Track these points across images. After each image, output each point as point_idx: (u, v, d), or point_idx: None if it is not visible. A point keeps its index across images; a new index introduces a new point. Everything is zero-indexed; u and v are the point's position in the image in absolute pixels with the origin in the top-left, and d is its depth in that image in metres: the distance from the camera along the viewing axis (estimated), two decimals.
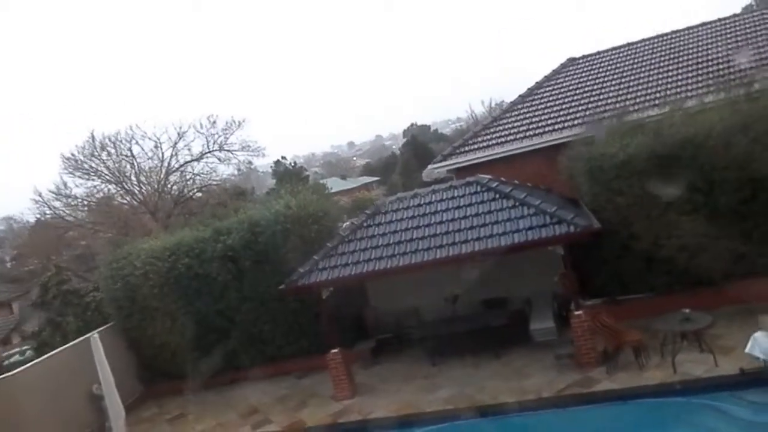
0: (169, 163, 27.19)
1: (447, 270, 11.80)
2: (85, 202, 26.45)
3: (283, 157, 54.41)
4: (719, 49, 15.65)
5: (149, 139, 26.48)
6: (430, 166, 16.49)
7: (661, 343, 9.99)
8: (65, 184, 25.58)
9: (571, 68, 18.32)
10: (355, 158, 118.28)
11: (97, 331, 12.93)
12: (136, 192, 26.48)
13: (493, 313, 12.74)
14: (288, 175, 45.35)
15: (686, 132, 10.67)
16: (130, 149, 26.28)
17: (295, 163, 56.52)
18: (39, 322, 19.52)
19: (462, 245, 10.74)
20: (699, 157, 10.52)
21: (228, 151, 27.74)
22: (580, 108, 15.53)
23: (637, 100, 14.62)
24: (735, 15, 17.56)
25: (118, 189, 26.53)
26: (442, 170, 16.15)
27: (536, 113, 16.19)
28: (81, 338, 13.58)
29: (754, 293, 10.08)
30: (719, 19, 17.44)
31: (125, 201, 26.79)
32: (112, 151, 25.96)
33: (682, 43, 16.92)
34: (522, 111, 16.67)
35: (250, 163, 29.88)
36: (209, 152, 27.54)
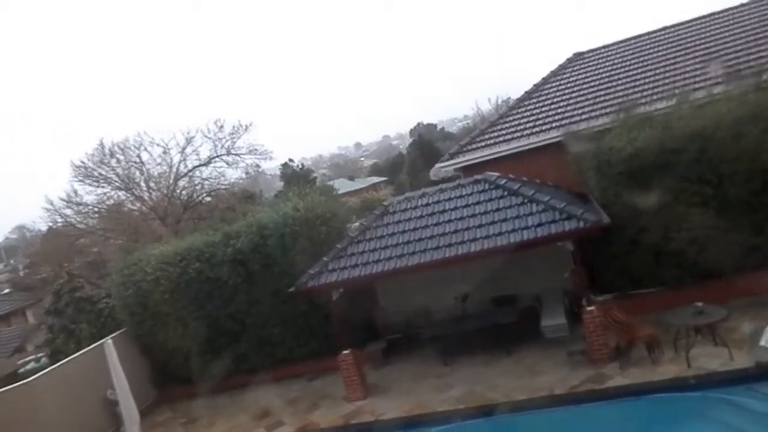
0: (177, 169, 27.37)
1: (456, 269, 11.78)
2: (96, 210, 26.66)
3: (290, 160, 54.62)
4: (727, 39, 15.50)
5: (157, 145, 26.69)
6: (437, 165, 16.45)
7: (674, 338, 9.91)
8: (76, 192, 25.87)
9: (577, 63, 18.21)
10: (362, 159, 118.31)
11: (110, 337, 13.04)
12: (146, 198, 26.67)
13: (503, 310, 12.70)
14: (296, 177, 45.48)
15: (695, 124, 10.58)
16: (138, 156, 26.49)
17: (302, 165, 56.70)
18: (48, 331, 19.62)
19: (471, 243, 10.72)
20: (708, 149, 10.44)
21: (236, 155, 27.84)
22: (587, 103, 15.43)
23: (645, 93, 14.51)
24: (742, 5, 17.36)
25: (128, 195, 26.73)
26: (449, 169, 16.10)
27: (543, 109, 16.11)
28: (95, 344, 13.69)
29: (766, 285, 9.99)
30: (726, 9, 17.27)
31: (135, 207, 26.99)
32: (121, 158, 26.19)
33: (689, 34, 16.77)
34: (529, 107, 16.59)
35: (257, 166, 30.01)
36: (217, 156, 27.66)
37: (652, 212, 10.96)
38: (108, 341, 11.95)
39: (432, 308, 13.75)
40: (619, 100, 14.61)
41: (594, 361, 10.38)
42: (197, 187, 28.18)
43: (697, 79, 14.11)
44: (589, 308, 10.38)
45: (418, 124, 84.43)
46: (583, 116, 14.73)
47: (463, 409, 10.35)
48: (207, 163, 27.76)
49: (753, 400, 8.41)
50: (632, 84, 15.36)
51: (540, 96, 16.97)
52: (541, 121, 15.49)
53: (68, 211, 26.17)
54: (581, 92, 16.19)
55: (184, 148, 27.19)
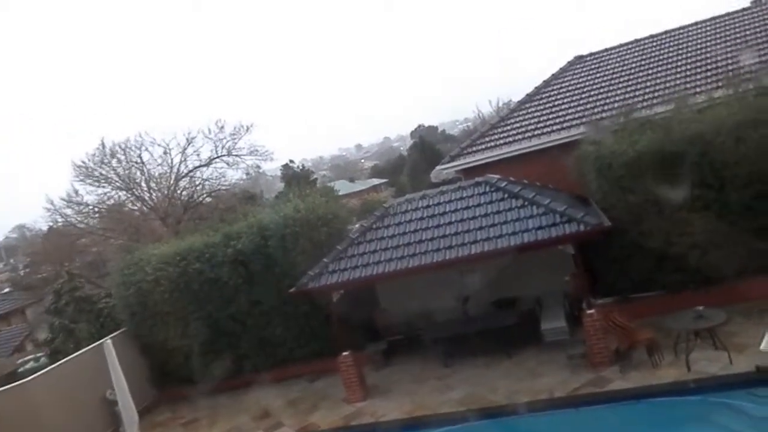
0: (178, 169, 27.37)
1: (457, 271, 11.78)
2: (96, 209, 26.65)
3: (291, 161, 54.49)
4: (728, 44, 15.52)
5: (158, 145, 26.68)
6: (438, 167, 16.46)
7: (674, 342, 9.91)
8: (76, 192, 25.85)
9: (578, 66, 18.23)
10: (363, 160, 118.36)
11: (109, 336, 13.03)
12: (147, 198, 26.66)
13: (504, 313, 12.69)
14: (296, 178, 45.44)
15: (696, 128, 10.59)
16: (139, 156, 26.48)
17: (303, 166, 56.62)
18: (48, 330, 19.61)
19: (471, 246, 10.72)
20: (709, 154, 10.44)
21: (236, 155, 27.85)
22: (588, 106, 15.45)
23: (646, 96, 14.52)
24: (744, 9, 17.39)
25: (129, 195, 26.73)
26: (450, 171, 16.11)
27: (544, 112, 16.12)
28: (94, 344, 13.68)
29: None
30: (728, 14, 17.29)
31: (136, 207, 27.00)
32: (122, 158, 26.18)
33: (690, 38, 16.79)
34: (530, 110, 16.61)
35: (258, 167, 30.04)
36: (218, 157, 27.67)
37: (653, 216, 10.96)
38: (107, 341, 11.92)
39: (433, 310, 13.75)
40: (620, 103, 14.64)
41: (594, 365, 10.38)
42: (198, 188, 28.20)
43: (698, 83, 14.13)
44: (589, 311, 10.38)
45: (419, 126, 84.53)
46: (584, 119, 14.74)
47: (464, 411, 10.34)
48: (208, 164, 27.79)
49: (753, 405, 8.40)
50: (633, 87, 15.38)
51: (541, 99, 16.98)
52: (542, 124, 15.50)
53: (69, 211, 26.17)
54: (582, 95, 16.21)
55: (185, 149, 27.22)
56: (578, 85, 16.91)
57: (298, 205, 13.93)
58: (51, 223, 27.49)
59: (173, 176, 27.25)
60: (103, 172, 25.80)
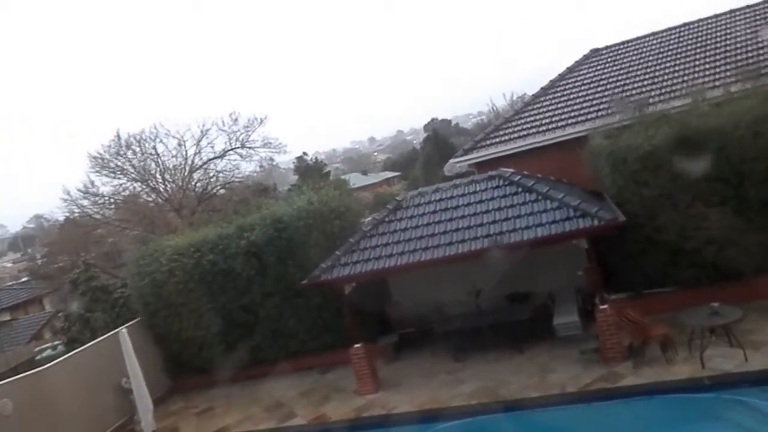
0: (192, 161, 27.59)
1: (469, 265, 11.75)
2: (112, 200, 26.97)
3: (304, 153, 54.63)
4: (748, 36, 15.26)
5: (173, 137, 26.92)
6: (451, 161, 16.42)
7: (688, 338, 9.82)
8: (93, 183, 26.19)
9: (594, 59, 18.04)
10: (376, 153, 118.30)
11: (125, 326, 13.20)
12: (161, 190, 26.91)
13: (516, 307, 12.66)
14: (309, 171, 45.60)
15: (714, 122, 10.45)
16: (154, 147, 26.73)
17: (316, 159, 56.72)
18: (64, 319, 19.91)
19: (484, 239, 10.69)
20: (727, 148, 10.30)
21: (250, 148, 28.03)
22: (603, 100, 15.29)
23: (663, 90, 14.35)
24: (764, 1, 17.07)
25: (144, 187, 27.01)
26: (463, 164, 16.05)
27: (559, 105, 15.99)
28: (110, 333, 13.86)
29: None
30: (747, 6, 16.99)
31: (150, 199, 27.26)
32: (137, 149, 26.45)
33: (709, 31, 16.53)
34: (544, 103, 16.48)
35: (271, 159, 30.22)
36: (232, 149, 27.85)
37: (668, 211, 10.85)
38: (123, 330, 12.10)
39: (445, 303, 13.74)
40: (636, 97, 14.47)
41: (607, 360, 10.33)
42: (212, 180, 28.43)
43: (717, 76, 13.92)
44: (602, 307, 10.32)
45: (433, 119, 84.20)
46: (600, 113, 14.61)
47: (475, 405, 10.36)
48: (221, 156, 28.00)
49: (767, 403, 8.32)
50: (649, 81, 15.20)
51: (556, 92, 16.84)
52: (557, 118, 15.38)
53: (85, 202, 26.53)
54: (598, 89, 16.04)
55: (199, 141, 27.43)
56: (594, 79, 16.73)
57: (312, 197, 13.97)
58: (68, 214, 27.88)
59: (187, 168, 27.48)
60: (119, 164, 26.10)
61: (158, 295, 14.49)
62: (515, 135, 15.52)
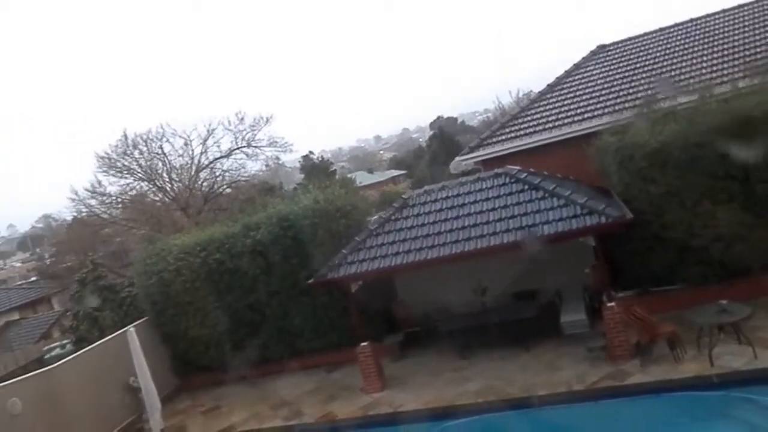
0: (199, 160, 27.68)
1: (476, 263, 11.73)
2: (119, 200, 27.09)
3: (310, 152, 54.84)
4: (756, 31, 15.13)
5: (179, 136, 27.01)
6: (457, 158, 16.39)
7: (697, 336, 9.76)
8: (100, 183, 26.32)
9: (601, 56, 17.94)
10: (381, 152, 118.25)
11: (132, 325, 13.27)
12: (168, 189, 27.00)
13: (523, 305, 12.62)
14: (315, 169, 45.68)
15: (721, 118, 10.36)
16: (161, 147, 26.83)
17: (322, 157, 56.91)
18: (72, 318, 19.99)
19: (491, 237, 10.66)
20: (734, 144, 10.21)
21: (256, 147, 28.07)
22: (610, 96, 15.21)
23: (669, 87, 14.23)
24: None
25: (151, 186, 27.11)
26: (469, 162, 16.03)
27: (565, 102, 15.93)
28: (118, 332, 13.93)
29: None
30: (756, 1, 16.85)
31: (157, 198, 27.36)
32: (144, 149, 26.56)
33: (717, 26, 16.41)
34: (551, 101, 16.41)
35: (277, 158, 30.25)
36: (238, 149, 27.92)
37: (676, 208, 10.78)
38: (130, 329, 12.14)
39: (451, 302, 13.70)
40: (644, 93, 14.38)
41: (614, 358, 10.28)
42: (218, 179, 28.50)
43: (725, 72, 13.82)
44: (609, 304, 10.27)
45: (438, 117, 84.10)
46: (606, 110, 14.53)
47: (481, 403, 10.34)
48: (227, 155, 28.07)
49: None
50: (657, 77, 15.09)
51: (562, 89, 16.77)
52: (563, 115, 15.32)
53: (93, 202, 26.67)
54: (605, 85, 15.96)
55: (205, 140, 27.51)
56: (600, 75, 16.65)
57: (318, 196, 13.98)
58: (75, 214, 28.04)
59: (194, 167, 27.57)
60: (126, 163, 26.21)
61: (165, 294, 14.55)
62: (522, 132, 15.47)
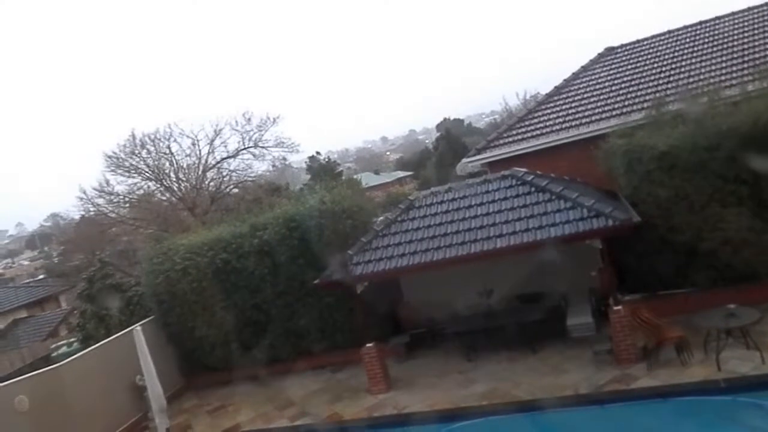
0: (206, 160, 27.77)
1: (482, 264, 11.71)
2: (127, 199, 27.21)
3: (317, 153, 54.93)
4: (765, 35, 15.05)
5: (187, 136, 27.11)
6: (464, 160, 16.39)
7: (704, 340, 9.71)
8: (108, 182, 26.44)
9: (608, 58, 17.90)
10: (388, 153, 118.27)
11: (139, 324, 13.32)
12: (175, 189, 27.11)
13: (529, 308, 12.58)
14: (322, 170, 45.74)
15: (730, 121, 10.31)
16: (168, 147, 26.94)
17: (329, 158, 56.97)
18: (79, 316, 20.11)
19: (497, 239, 10.65)
20: (744, 147, 10.16)
21: (263, 147, 28.14)
22: (618, 99, 15.17)
23: (678, 89, 14.19)
24: None
25: (158, 186, 27.22)
26: (476, 164, 16.02)
27: (573, 105, 15.89)
28: (124, 331, 13.99)
29: None
30: (765, 3, 16.75)
31: (164, 197, 27.47)
32: (152, 149, 26.67)
33: (725, 29, 16.33)
34: (558, 103, 16.39)
35: (284, 159, 30.36)
36: (245, 149, 27.99)
37: (684, 211, 10.73)
38: (137, 328, 12.18)
39: (457, 304, 13.69)
40: (652, 96, 14.33)
41: (620, 362, 10.24)
42: (225, 179, 28.58)
43: (734, 75, 13.75)
44: (616, 308, 10.23)
45: (445, 118, 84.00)
46: (614, 112, 14.49)
47: (487, 405, 10.32)
48: (234, 155, 28.15)
49: None
50: (665, 80, 15.05)
51: (570, 91, 16.74)
52: (570, 117, 15.29)
53: (100, 201, 26.81)
54: (612, 88, 15.92)
55: (212, 140, 27.60)
56: (608, 78, 16.61)
57: (324, 196, 13.99)
58: (83, 212, 28.23)
59: (201, 167, 27.68)
60: (134, 163, 26.33)
61: (172, 293, 14.59)
62: (528, 134, 15.45)
